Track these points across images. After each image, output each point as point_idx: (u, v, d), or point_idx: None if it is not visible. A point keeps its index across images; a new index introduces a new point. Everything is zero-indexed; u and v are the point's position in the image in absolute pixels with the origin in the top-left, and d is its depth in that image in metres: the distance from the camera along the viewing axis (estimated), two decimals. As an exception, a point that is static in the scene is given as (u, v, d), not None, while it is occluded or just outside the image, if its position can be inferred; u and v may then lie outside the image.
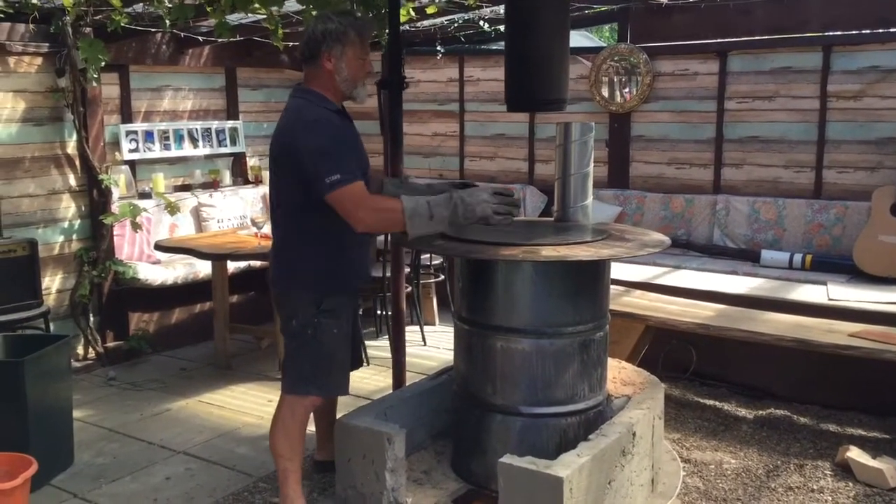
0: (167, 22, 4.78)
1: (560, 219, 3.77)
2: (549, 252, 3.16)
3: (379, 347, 5.63)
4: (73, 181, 5.52)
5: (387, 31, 4.08)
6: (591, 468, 3.04)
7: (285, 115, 3.20)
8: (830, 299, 4.70)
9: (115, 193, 5.86)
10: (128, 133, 6.26)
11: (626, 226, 4.09)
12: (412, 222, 2.99)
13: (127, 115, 6.28)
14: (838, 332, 4.17)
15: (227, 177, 6.97)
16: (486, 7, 5.76)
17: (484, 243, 3.25)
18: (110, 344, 5.65)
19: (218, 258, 5.13)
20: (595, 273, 3.42)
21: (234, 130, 7.04)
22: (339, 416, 3.55)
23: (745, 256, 5.89)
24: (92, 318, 5.59)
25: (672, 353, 4.98)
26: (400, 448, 3.33)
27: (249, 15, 5.89)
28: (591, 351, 3.44)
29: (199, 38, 6.13)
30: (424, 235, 3.08)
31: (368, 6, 4.44)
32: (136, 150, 6.31)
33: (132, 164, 6.31)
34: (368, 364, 5.45)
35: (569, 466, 2.95)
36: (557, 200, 3.79)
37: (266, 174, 6.71)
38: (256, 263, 5.94)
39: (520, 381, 3.39)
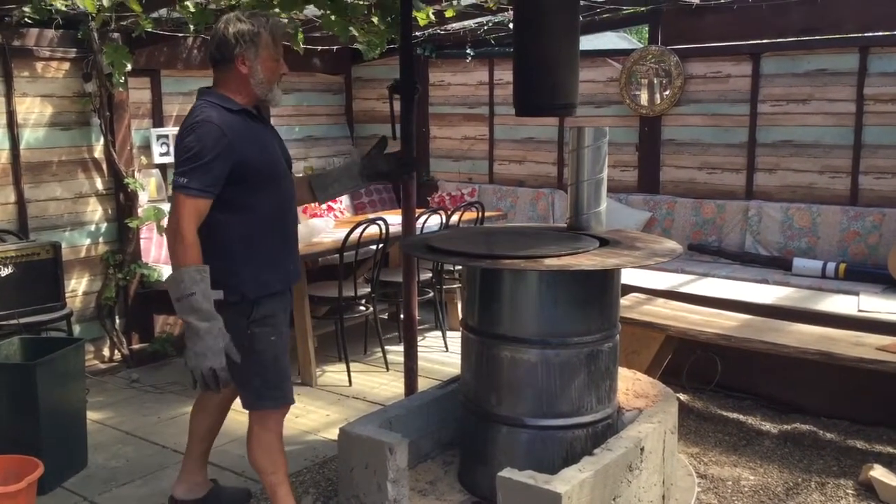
0: (191, 27, 4.82)
1: (572, 226, 3.72)
2: (551, 262, 3.09)
3: (400, 353, 5.57)
4: (99, 185, 5.58)
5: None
6: (594, 484, 2.96)
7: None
8: (860, 310, 4.53)
9: (144, 197, 5.92)
10: (159, 137, 6.32)
11: (640, 233, 3.97)
12: (168, 282, 2.83)
13: (158, 120, 6.33)
14: (866, 346, 4.01)
15: (256, 180, 6.98)
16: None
17: (488, 256, 3.20)
18: (135, 346, 5.70)
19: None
20: (603, 282, 3.34)
21: (264, 134, 7.06)
22: (345, 423, 3.52)
23: (777, 264, 5.74)
24: (118, 321, 5.64)
25: (697, 364, 4.85)
26: (402, 458, 3.28)
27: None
28: (600, 362, 3.35)
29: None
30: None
31: (385, 10, 4.44)
32: (167, 153, 6.36)
33: (163, 168, 6.37)
34: (388, 369, 5.46)
35: (569, 482, 2.87)
36: (570, 207, 3.74)
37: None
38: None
39: (525, 393, 3.32)
